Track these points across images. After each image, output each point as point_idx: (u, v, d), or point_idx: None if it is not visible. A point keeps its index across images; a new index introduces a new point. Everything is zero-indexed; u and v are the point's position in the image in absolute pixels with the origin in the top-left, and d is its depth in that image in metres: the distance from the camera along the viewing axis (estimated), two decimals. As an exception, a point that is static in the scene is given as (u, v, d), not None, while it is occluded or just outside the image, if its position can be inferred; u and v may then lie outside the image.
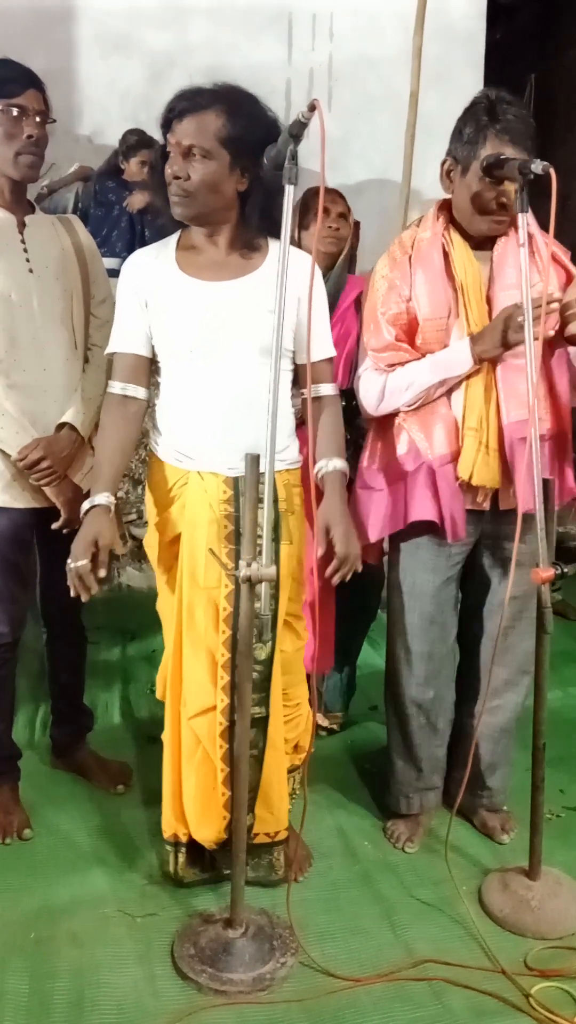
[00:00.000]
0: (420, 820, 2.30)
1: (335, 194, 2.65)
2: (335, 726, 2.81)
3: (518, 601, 2.08)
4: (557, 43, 6.75)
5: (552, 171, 1.80)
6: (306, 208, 2.53)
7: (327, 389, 2.02)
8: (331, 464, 1.97)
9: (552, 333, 2.05)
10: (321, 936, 1.93)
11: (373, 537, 2.16)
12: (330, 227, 2.59)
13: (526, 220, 1.88)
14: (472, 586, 2.24)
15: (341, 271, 2.63)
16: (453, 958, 1.87)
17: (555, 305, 1.94)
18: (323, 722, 2.78)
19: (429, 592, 2.16)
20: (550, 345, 2.08)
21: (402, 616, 2.20)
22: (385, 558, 2.47)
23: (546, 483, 1.93)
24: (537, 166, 1.80)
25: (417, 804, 2.29)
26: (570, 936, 1.95)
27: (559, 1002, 1.76)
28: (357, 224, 4.40)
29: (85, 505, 1.88)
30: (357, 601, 2.75)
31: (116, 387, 1.97)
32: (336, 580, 1.90)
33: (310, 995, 1.77)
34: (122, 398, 1.96)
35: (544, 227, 2.03)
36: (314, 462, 1.97)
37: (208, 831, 1.97)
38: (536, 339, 1.85)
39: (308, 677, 2.07)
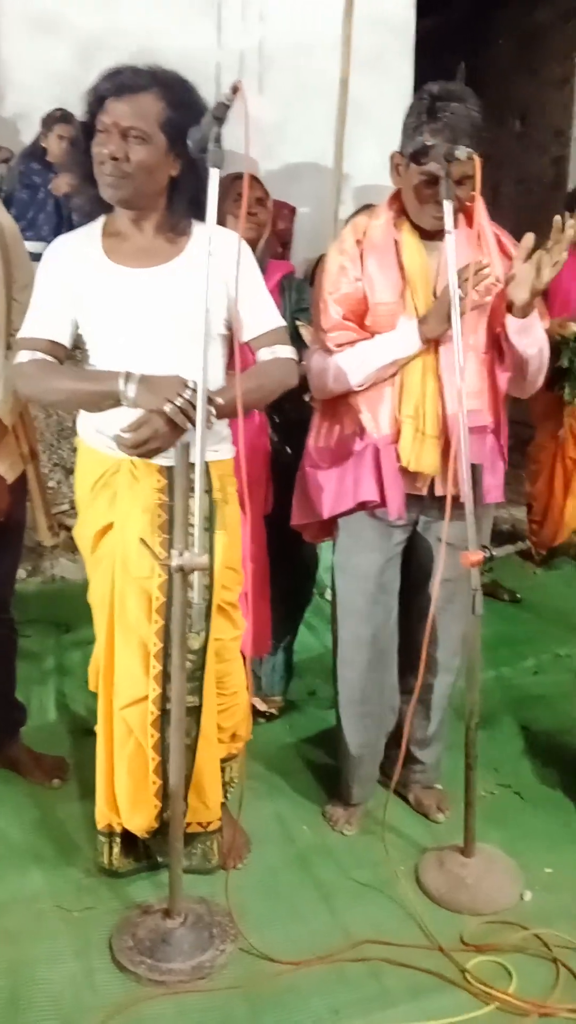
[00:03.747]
0: (356, 808, 2.32)
1: (252, 179, 2.62)
2: (274, 710, 2.81)
3: (451, 584, 2.11)
4: (488, 34, 6.84)
5: (476, 157, 1.82)
6: (226, 194, 2.50)
7: (284, 351, 1.94)
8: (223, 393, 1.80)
9: (489, 299, 2.06)
10: (260, 922, 1.94)
11: (325, 514, 2.18)
12: (247, 213, 2.56)
13: (452, 208, 1.89)
14: (409, 570, 2.27)
15: (261, 256, 2.61)
16: (391, 937, 1.90)
17: (487, 272, 1.94)
18: (262, 707, 2.78)
19: (373, 573, 2.18)
20: (493, 337, 2.11)
21: (347, 600, 2.22)
22: (323, 543, 2.49)
23: (475, 468, 1.96)
24: (462, 152, 1.82)
25: (361, 795, 2.32)
26: (505, 911, 1.99)
27: (494, 975, 1.80)
28: (293, 210, 4.40)
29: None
30: (292, 584, 2.76)
31: (25, 355, 1.87)
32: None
33: (250, 981, 1.78)
34: (35, 360, 1.87)
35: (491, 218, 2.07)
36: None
37: (139, 820, 1.96)
38: (463, 313, 1.88)
39: (244, 660, 2.06)
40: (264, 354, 1.94)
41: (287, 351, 1.95)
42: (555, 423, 3.67)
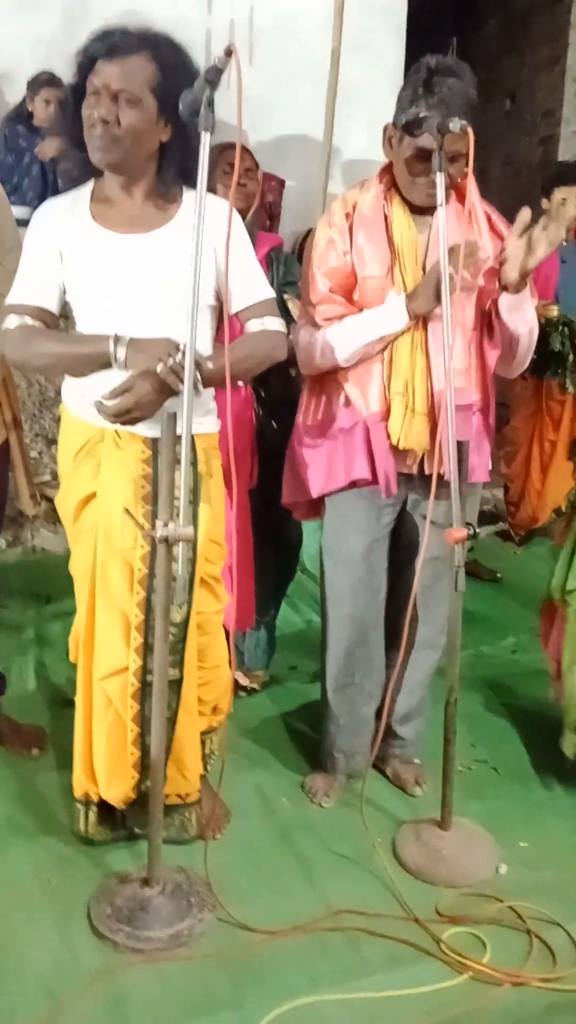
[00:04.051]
0: (338, 777, 2.33)
1: (242, 149, 2.58)
2: (256, 685, 2.82)
3: (437, 562, 2.12)
4: (478, 14, 6.79)
5: (469, 129, 1.80)
6: (213, 164, 2.47)
7: (273, 323, 1.92)
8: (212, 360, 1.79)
9: (481, 282, 2.06)
10: (239, 892, 1.95)
11: (315, 492, 2.17)
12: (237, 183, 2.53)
13: (443, 181, 1.88)
14: (397, 548, 2.27)
15: (250, 228, 2.58)
16: (368, 908, 1.92)
17: (483, 255, 1.93)
18: (244, 681, 2.79)
19: (360, 554, 2.18)
20: (482, 315, 2.10)
21: (334, 579, 2.22)
22: (307, 522, 2.48)
23: (461, 446, 1.96)
24: (455, 124, 1.80)
25: (344, 765, 2.33)
26: (480, 883, 2.01)
27: (469, 946, 1.82)
28: (281, 183, 4.36)
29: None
30: (277, 559, 2.76)
31: (13, 321, 1.85)
32: None
33: (228, 949, 1.79)
34: (23, 325, 1.85)
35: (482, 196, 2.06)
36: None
37: (117, 791, 1.96)
38: (452, 291, 1.86)
39: (227, 635, 2.07)
40: (253, 325, 1.92)
41: (276, 323, 1.93)
42: (532, 405, 3.69)
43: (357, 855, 2.09)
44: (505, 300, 2.02)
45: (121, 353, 1.74)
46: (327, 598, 2.26)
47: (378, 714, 2.24)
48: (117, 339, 1.75)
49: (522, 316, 2.06)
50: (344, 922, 1.88)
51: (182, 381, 1.68)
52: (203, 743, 2.14)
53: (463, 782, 2.27)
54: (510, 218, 2.16)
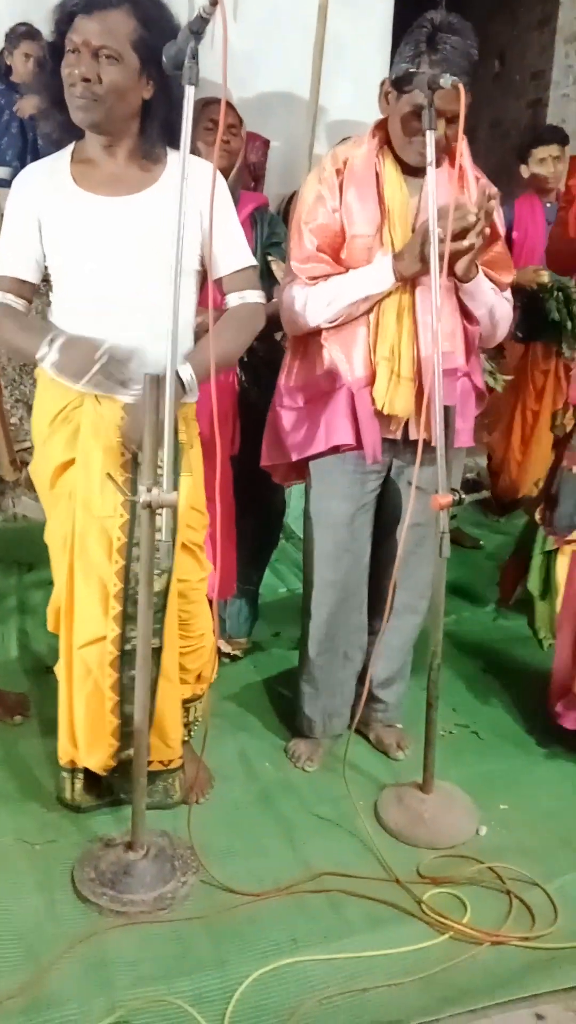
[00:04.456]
0: (320, 741, 2.35)
1: (225, 105, 2.52)
2: (238, 652, 2.83)
3: (421, 528, 2.12)
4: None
5: (461, 86, 1.76)
6: (195, 121, 2.40)
7: (253, 296, 1.92)
8: (193, 358, 1.82)
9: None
10: (222, 855, 1.96)
11: (295, 456, 2.15)
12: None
13: (434, 138, 1.85)
14: (381, 513, 2.27)
15: (233, 186, 2.53)
16: (350, 870, 1.94)
17: (471, 218, 1.90)
18: (226, 648, 2.79)
19: (343, 520, 2.17)
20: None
21: (317, 545, 2.22)
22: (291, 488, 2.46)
23: (448, 410, 1.95)
24: (446, 80, 1.77)
25: (321, 728, 2.34)
26: (460, 845, 2.04)
27: (449, 907, 1.85)
28: (266, 142, 4.27)
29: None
30: (260, 527, 2.75)
31: None
32: None
33: (211, 911, 1.81)
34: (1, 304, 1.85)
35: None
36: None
37: (96, 758, 1.97)
38: (442, 257, 1.84)
39: (211, 604, 2.06)
40: (232, 299, 1.90)
41: (256, 295, 1.93)
42: (517, 374, 3.67)
43: (339, 818, 2.11)
44: (460, 287, 2.01)
45: (53, 356, 1.74)
46: (310, 563, 2.25)
47: (361, 679, 2.25)
48: (52, 340, 1.75)
49: (476, 302, 2.06)
50: (326, 884, 1.90)
51: (119, 383, 1.72)
52: (187, 711, 2.14)
53: (445, 746, 2.29)
54: (496, 181, 2.13)
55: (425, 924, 1.80)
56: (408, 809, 2.11)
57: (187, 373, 1.77)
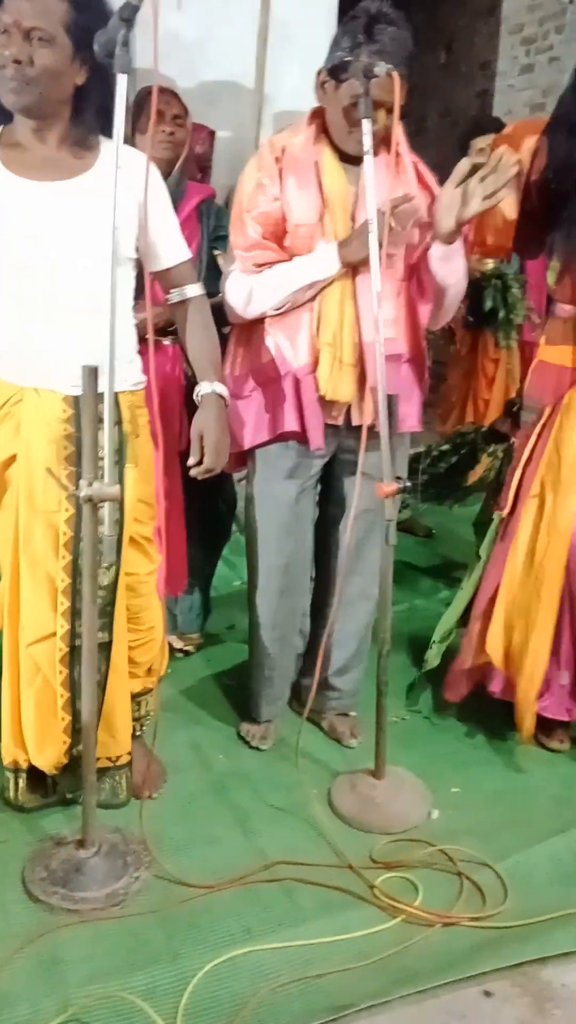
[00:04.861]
0: (270, 725, 2.37)
1: (170, 95, 2.49)
2: (191, 648, 2.82)
3: (370, 514, 2.13)
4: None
5: (396, 74, 1.77)
6: (140, 109, 2.37)
7: (193, 290, 1.94)
8: (212, 388, 1.92)
9: (416, 238, 2.04)
10: (175, 848, 1.96)
11: (246, 444, 2.15)
12: (163, 131, 2.45)
13: (370, 128, 1.85)
14: (328, 501, 2.28)
15: (179, 177, 2.51)
16: (303, 858, 1.95)
17: (410, 206, 1.90)
18: (178, 644, 2.78)
19: (287, 502, 2.17)
20: (411, 268, 2.08)
21: (261, 528, 2.22)
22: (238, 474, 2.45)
23: (391, 398, 1.95)
24: (381, 68, 1.77)
25: (266, 712, 2.36)
26: (413, 829, 2.06)
27: (401, 890, 1.86)
28: (212, 133, 4.24)
29: None
30: (211, 522, 2.74)
31: None
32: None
33: (165, 905, 1.80)
34: None
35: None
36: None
37: (48, 756, 1.95)
38: (382, 246, 1.84)
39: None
40: (173, 296, 1.93)
41: (195, 289, 1.94)
42: (468, 364, 3.70)
43: (293, 806, 2.12)
44: (437, 250, 2.01)
45: None
46: (254, 548, 2.26)
47: (313, 667, 2.26)
48: None
49: (452, 267, 2.05)
50: (280, 873, 1.90)
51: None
52: (138, 704, 2.13)
53: (397, 732, 2.31)
54: (447, 172, 2.14)
55: (378, 908, 1.82)
56: (361, 795, 2.13)
57: (222, 390, 1.91)
